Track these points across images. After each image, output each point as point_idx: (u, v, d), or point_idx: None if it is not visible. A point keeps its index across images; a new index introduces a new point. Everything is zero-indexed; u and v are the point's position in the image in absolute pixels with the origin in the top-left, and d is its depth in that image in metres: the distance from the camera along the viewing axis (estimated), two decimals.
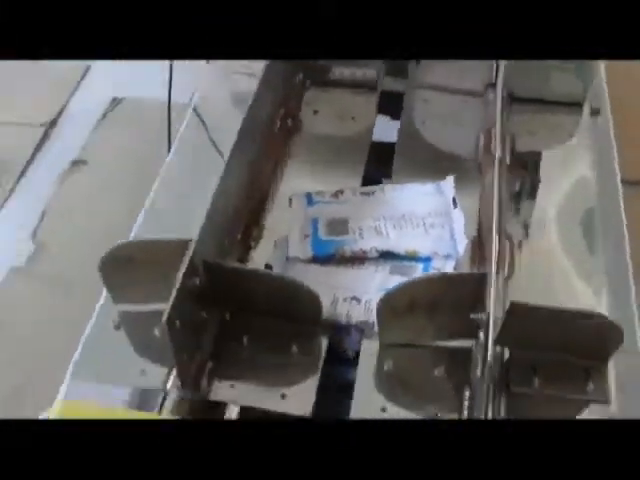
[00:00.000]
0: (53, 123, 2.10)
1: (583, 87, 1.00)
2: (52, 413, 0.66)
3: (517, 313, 0.66)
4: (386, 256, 0.82)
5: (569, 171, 0.96)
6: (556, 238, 0.87)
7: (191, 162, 0.96)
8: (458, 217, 0.85)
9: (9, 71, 2.04)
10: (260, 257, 0.85)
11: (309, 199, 0.89)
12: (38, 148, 2.04)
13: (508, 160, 0.88)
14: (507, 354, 0.72)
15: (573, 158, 0.97)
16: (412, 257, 0.82)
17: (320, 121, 1.02)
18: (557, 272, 0.84)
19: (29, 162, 2.01)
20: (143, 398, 0.76)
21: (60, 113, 2.13)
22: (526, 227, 0.90)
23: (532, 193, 0.94)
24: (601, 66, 1.09)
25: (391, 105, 1.06)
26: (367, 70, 1.03)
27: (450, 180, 0.89)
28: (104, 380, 0.75)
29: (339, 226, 0.85)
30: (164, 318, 0.65)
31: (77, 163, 2.01)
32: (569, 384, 0.71)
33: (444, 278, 0.74)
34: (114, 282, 0.76)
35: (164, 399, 0.74)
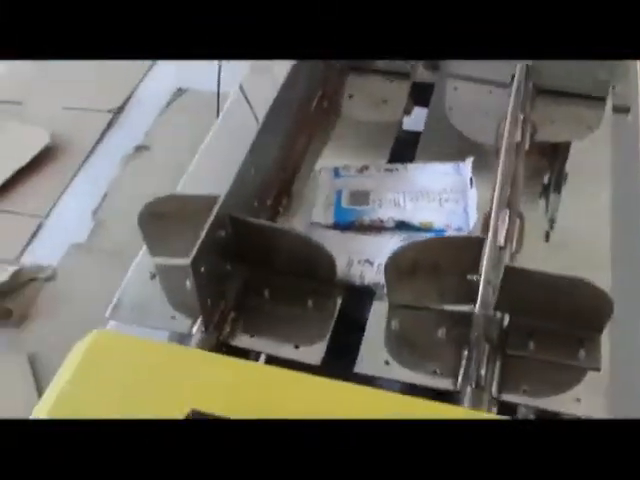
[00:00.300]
0: (120, 109, 2.22)
1: (611, 83, 1.03)
2: (87, 342, 0.73)
3: (511, 277, 0.71)
4: (401, 226, 0.88)
5: (590, 164, 0.98)
6: (572, 226, 0.91)
7: (234, 134, 1.03)
8: (472, 195, 0.90)
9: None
10: (286, 223, 0.92)
11: (336, 172, 0.95)
12: (104, 133, 2.16)
13: (527, 146, 0.93)
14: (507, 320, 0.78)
15: (596, 152, 0.99)
16: (426, 229, 0.87)
17: (354, 105, 1.08)
18: (566, 257, 0.87)
19: (95, 146, 2.13)
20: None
21: (127, 100, 2.25)
22: (551, 219, 0.93)
23: (555, 183, 0.98)
24: (637, 64, 1.11)
25: (428, 97, 1.12)
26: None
27: (469, 162, 0.93)
28: (137, 323, 0.81)
29: (361, 197, 0.91)
30: (189, 261, 0.72)
31: (140, 148, 2.11)
32: (562, 351, 0.75)
33: (443, 240, 0.79)
34: (151, 235, 0.83)
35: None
